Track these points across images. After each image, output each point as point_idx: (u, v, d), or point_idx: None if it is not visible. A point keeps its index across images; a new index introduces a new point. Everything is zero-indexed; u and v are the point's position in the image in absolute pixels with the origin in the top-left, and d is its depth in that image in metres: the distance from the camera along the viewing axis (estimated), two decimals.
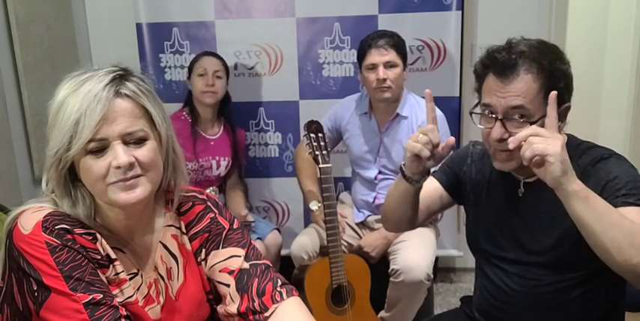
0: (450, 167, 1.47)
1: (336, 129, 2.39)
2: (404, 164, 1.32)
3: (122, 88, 0.97)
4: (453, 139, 1.27)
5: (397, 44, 2.14)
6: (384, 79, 2.11)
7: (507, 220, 1.34)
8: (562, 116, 1.23)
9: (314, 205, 2.25)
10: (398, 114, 2.23)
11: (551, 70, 1.20)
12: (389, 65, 2.12)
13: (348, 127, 2.35)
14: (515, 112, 1.20)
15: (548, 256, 1.27)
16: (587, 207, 1.07)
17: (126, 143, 0.96)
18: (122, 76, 0.98)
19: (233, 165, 2.48)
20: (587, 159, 1.23)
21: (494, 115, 1.22)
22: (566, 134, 1.30)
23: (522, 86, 1.18)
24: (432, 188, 1.46)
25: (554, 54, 1.22)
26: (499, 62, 1.21)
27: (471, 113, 1.30)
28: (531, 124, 1.18)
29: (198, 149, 2.36)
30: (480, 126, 1.27)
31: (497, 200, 1.37)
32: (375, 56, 2.12)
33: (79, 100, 0.93)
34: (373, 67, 2.13)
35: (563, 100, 1.22)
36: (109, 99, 0.94)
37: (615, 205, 1.11)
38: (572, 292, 1.28)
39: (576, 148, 1.26)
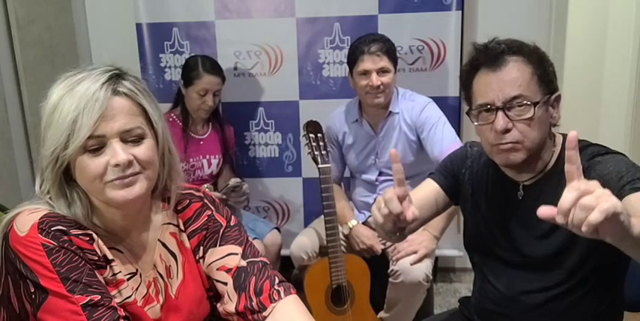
0: (448, 168, 1.45)
1: (338, 143, 2.37)
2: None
3: (119, 87, 0.97)
4: (404, 189, 1.09)
5: (389, 50, 2.13)
6: (379, 86, 2.11)
7: (507, 223, 1.32)
8: (556, 104, 1.23)
9: (352, 223, 2.27)
10: (391, 112, 2.23)
11: (538, 54, 1.20)
12: (382, 71, 2.11)
13: (344, 139, 2.34)
14: (515, 102, 1.18)
15: (548, 260, 1.26)
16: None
17: (124, 141, 0.96)
18: (118, 75, 0.98)
19: (224, 162, 2.49)
20: (584, 157, 1.20)
21: (494, 107, 1.19)
22: (561, 134, 1.28)
23: (515, 73, 1.17)
24: (426, 192, 1.43)
25: (532, 45, 1.23)
26: (488, 52, 1.20)
27: (467, 113, 1.28)
28: (535, 105, 1.17)
29: (189, 150, 2.36)
30: (477, 123, 1.24)
31: (496, 203, 1.35)
32: (368, 63, 2.10)
33: (76, 98, 0.93)
34: (366, 73, 2.12)
35: (554, 87, 1.22)
36: (107, 97, 0.94)
37: (623, 194, 1.07)
38: (570, 294, 1.27)
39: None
